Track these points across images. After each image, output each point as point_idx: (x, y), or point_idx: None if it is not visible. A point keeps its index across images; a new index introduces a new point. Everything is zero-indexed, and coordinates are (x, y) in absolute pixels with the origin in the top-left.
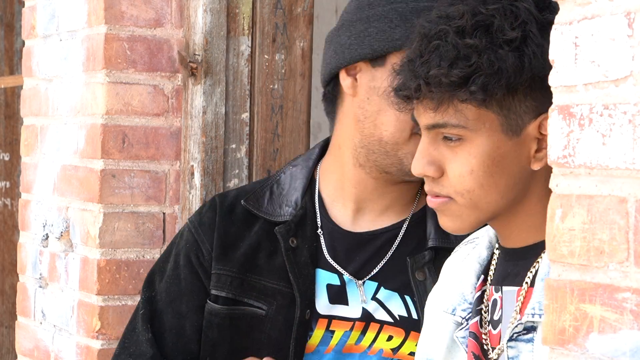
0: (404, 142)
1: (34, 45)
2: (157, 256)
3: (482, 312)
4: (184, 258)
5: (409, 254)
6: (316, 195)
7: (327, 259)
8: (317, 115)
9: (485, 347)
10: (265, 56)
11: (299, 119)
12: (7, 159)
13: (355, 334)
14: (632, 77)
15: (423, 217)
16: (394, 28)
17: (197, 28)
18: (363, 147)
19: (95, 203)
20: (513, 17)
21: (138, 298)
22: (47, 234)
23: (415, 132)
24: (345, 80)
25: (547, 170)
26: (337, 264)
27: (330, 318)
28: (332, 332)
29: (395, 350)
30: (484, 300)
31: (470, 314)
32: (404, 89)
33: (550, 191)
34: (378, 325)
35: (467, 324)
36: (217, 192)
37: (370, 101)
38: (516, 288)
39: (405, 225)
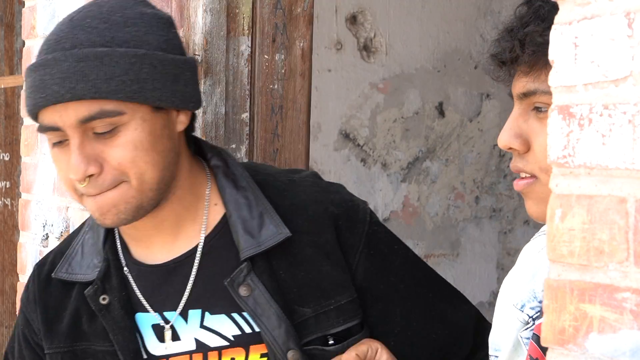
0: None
1: (34, 45)
2: None
3: None
4: (23, 338)
5: (223, 274)
6: (117, 239)
7: (142, 300)
8: (317, 115)
9: None
10: (265, 56)
11: (299, 119)
12: (7, 159)
13: None
14: (632, 77)
15: (224, 231)
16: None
17: (197, 28)
18: None
19: None
20: None
21: None
22: (47, 234)
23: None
24: None
25: None
26: (153, 302)
27: (167, 357)
28: None
29: None
30: None
31: (538, 313)
32: (500, 53)
33: None
34: (216, 352)
35: (534, 323)
36: None
37: None
38: None
39: (200, 247)
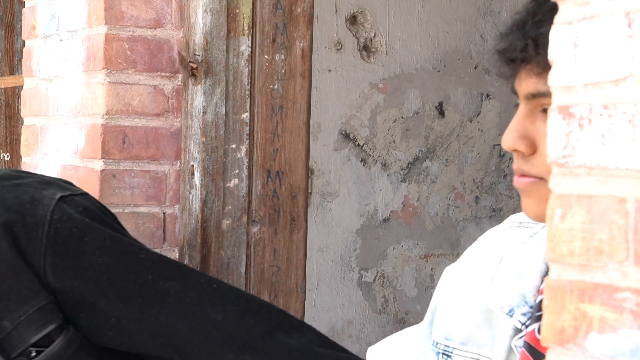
0: None
1: (34, 45)
2: None
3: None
4: None
5: None
6: None
7: None
8: (317, 115)
9: None
10: (265, 56)
11: (299, 119)
12: (7, 159)
13: None
14: (631, 77)
15: None
16: None
17: (197, 28)
18: None
19: None
20: None
21: None
22: None
23: None
24: None
25: None
26: None
27: None
28: None
29: None
30: None
31: (529, 320)
32: (509, 50)
33: None
34: None
35: (526, 331)
36: (217, 192)
37: None
38: None
39: None
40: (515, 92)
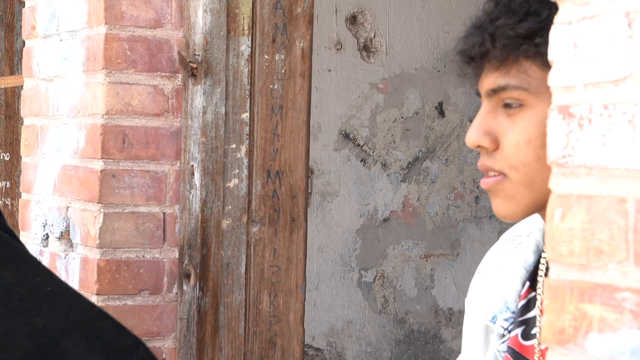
0: None
1: (34, 45)
2: (157, 256)
3: (535, 320)
4: None
5: None
6: None
7: None
8: (317, 115)
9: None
10: (265, 56)
11: (299, 119)
12: (7, 159)
13: None
14: (631, 77)
15: None
16: None
17: (197, 28)
18: None
19: (95, 203)
20: None
21: (138, 298)
22: (47, 234)
23: None
24: None
25: None
26: None
27: None
28: None
29: None
30: (536, 309)
31: (512, 325)
32: (468, 49)
33: None
34: None
35: (509, 335)
36: (217, 192)
37: None
38: None
39: None
40: (478, 94)
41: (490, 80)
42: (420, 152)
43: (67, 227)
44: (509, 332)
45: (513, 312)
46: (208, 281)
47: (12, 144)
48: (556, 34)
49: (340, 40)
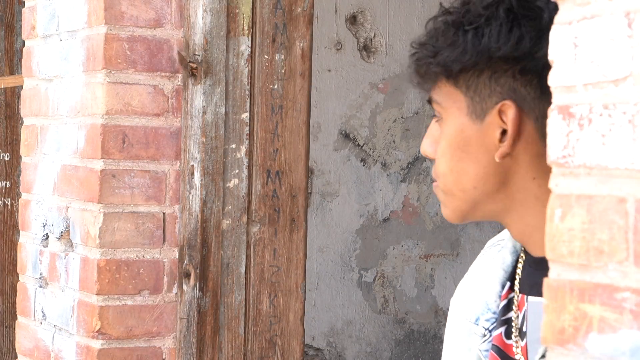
0: None
1: (34, 45)
2: (157, 256)
3: (512, 321)
4: None
5: None
6: None
7: None
8: (317, 115)
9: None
10: (265, 56)
11: (299, 119)
12: (7, 159)
13: None
14: (631, 77)
15: None
16: None
17: (197, 28)
18: None
19: (95, 203)
20: None
21: (138, 298)
22: (47, 234)
23: None
24: None
25: (533, 168)
26: None
27: None
28: None
29: None
30: (514, 309)
31: (494, 325)
32: (417, 63)
33: (549, 191)
34: None
35: (490, 335)
36: (217, 192)
37: None
38: (543, 299)
39: None
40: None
41: (432, 92)
42: (420, 152)
43: (67, 227)
44: (490, 332)
45: (494, 313)
46: (208, 281)
47: (12, 144)
48: (556, 34)
49: (340, 40)
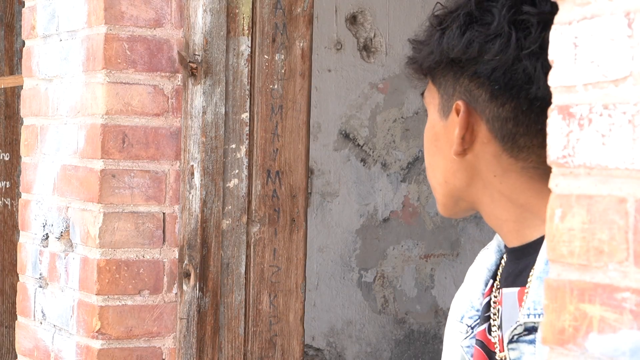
0: None
1: (34, 45)
2: (157, 256)
3: (492, 314)
4: None
5: None
6: None
7: None
8: (317, 115)
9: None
10: (265, 56)
11: (299, 119)
12: (7, 159)
13: None
14: (631, 77)
15: None
16: None
17: (197, 28)
18: None
19: (95, 203)
20: (461, 1)
21: (138, 298)
22: (47, 234)
23: None
24: None
25: (493, 165)
26: None
27: None
28: None
29: None
30: (492, 304)
31: (477, 322)
32: (413, 61)
33: (512, 186)
34: None
35: (473, 332)
36: (217, 192)
37: None
38: (517, 289)
39: None
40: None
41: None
42: (420, 152)
43: (67, 227)
44: (472, 328)
45: (477, 310)
46: (208, 281)
47: (12, 144)
48: (556, 34)
49: (340, 40)
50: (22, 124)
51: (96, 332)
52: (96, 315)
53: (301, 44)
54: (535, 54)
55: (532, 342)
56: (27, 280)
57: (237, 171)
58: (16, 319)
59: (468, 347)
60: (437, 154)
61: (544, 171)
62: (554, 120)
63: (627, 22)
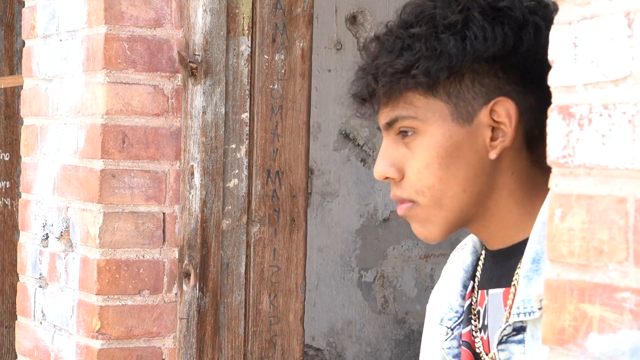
0: None
1: (34, 45)
2: (157, 256)
3: (472, 315)
4: None
5: None
6: None
7: None
8: (317, 115)
9: (480, 355)
10: (265, 56)
11: (299, 119)
12: (7, 159)
13: None
14: (631, 77)
15: None
16: None
17: (197, 28)
18: None
19: (95, 203)
20: (456, 4)
21: (138, 298)
22: (47, 234)
23: None
24: None
25: (513, 162)
26: None
27: None
28: None
29: None
30: (474, 306)
31: (458, 323)
32: (359, 91)
33: (522, 183)
34: None
35: (453, 333)
36: (217, 192)
37: None
38: (502, 290)
39: None
40: (379, 129)
41: (383, 114)
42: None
43: (67, 227)
44: (452, 330)
45: (456, 312)
46: (208, 281)
47: (12, 144)
48: (556, 34)
49: (340, 40)
50: (22, 124)
51: (96, 332)
52: (96, 315)
53: (301, 44)
54: None
55: (521, 341)
56: (27, 280)
57: (237, 171)
58: (16, 319)
59: (449, 348)
60: (455, 165)
61: (547, 166)
62: (554, 120)
63: (627, 22)
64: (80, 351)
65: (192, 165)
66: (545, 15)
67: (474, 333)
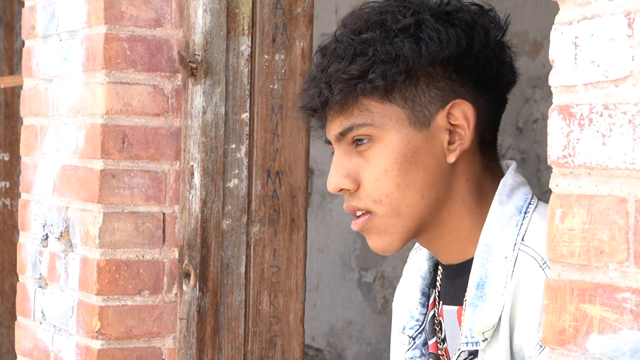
0: None
1: (33, 45)
2: (157, 256)
3: (435, 324)
4: None
5: None
6: None
7: None
8: None
9: None
10: (265, 56)
11: (299, 119)
12: (7, 159)
13: None
14: (632, 77)
15: None
16: None
17: (197, 28)
18: None
19: (95, 203)
20: (405, 8)
21: (138, 298)
22: (47, 234)
23: None
24: None
25: (467, 167)
26: None
27: None
28: None
29: None
30: (437, 317)
31: (419, 332)
32: (309, 102)
33: (475, 191)
34: None
35: (415, 342)
36: (216, 192)
37: None
38: (455, 307)
39: None
40: (328, 142)
41: (335, 125)
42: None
43: (67, 227)
44: (414, 339)
45: (417, 320)
46: (208, 281)
47: (12, 144)
48: (556, 34)
49: None
50: (21, 124)
51: (96, 332)
52: (96, 316)
53: (301, 44)
54: (501, 44)
55: None
56: (26, 280)
57: (237, 171)
58: (16, 319)
59: (411, 358)
60: (414, 170)
61: (497, 171)
62: (554, 120)
63: (628, 22)
64: (80, 351)
65: (192, 165)
66: (491, 19)
67: (439, 345)
